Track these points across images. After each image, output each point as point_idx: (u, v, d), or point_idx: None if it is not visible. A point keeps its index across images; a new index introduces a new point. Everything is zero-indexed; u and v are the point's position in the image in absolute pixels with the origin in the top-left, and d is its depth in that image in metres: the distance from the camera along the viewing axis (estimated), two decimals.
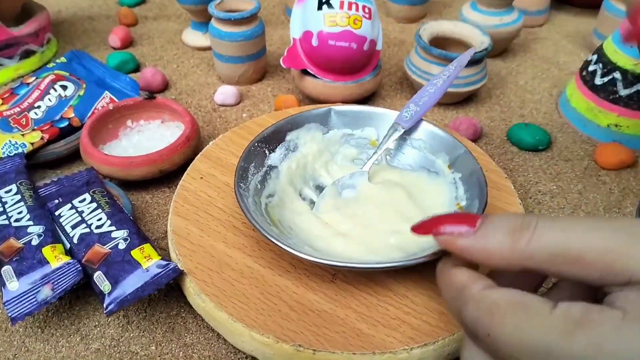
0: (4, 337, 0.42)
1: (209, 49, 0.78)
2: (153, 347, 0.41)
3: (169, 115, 0.59)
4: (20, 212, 0.45)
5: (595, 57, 0.64)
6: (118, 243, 0.43)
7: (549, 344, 0.24)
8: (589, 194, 0.56)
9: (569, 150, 0.62)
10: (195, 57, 0.77)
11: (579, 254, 0.26)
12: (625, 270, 0.25)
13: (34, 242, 0.43)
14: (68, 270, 0.42)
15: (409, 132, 0.50)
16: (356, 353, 0.36)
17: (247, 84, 0.71)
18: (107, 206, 0.47)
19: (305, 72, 0.64)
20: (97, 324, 0.43)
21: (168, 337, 0.42)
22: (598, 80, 0.63)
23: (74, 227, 0.45)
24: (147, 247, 0.43)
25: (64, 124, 0.56)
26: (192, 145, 0.55)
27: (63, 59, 0.64)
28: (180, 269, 0.41)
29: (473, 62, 0.64)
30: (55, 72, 0.61)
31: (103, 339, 0.42)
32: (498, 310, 0.26)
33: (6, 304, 0.39)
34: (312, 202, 0.47)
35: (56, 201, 0.47)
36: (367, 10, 0.60)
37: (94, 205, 0.47)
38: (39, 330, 0.42)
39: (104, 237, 0.44)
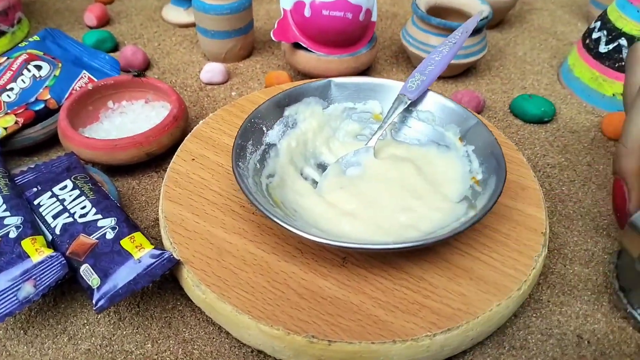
0: None
1: (191, 25, 0.74)
2: (149, 345, 0.38)
3: (154, 95, 0.55)
4: None
5: (598, 23, 0.62)
6: (105, 232, 0.40)
7: None
8: (598, 166, 0.54)
9: (574, 122, 0.59)
10: (178, 34, 0.73)
11: None
12: None
13: (12, 235, 0.39)
14: (51, 264, 0.38)
15: (414, 103, 0.46)
16: (375, 342, 0.33)
17: (234, 61, 0.67)
18: (91, 193, 0.43)
19: (297, 45, 0.60)
20: (85, 322, 0.39)
21: (165, 334, 0.38)
22: (602, 48, 0.60)
23: (55, 216, 0.42)
24: (137, 235, 0.40)
25: (40, 106, 0.52)
26: (181, 125, 0.51)
27: (36, 38, 0.59)
28: (177, 258, 0.38)
29: (473, 32, 0.60)
30: (29, 51, 0.56)
31: (93, 339, 0.38)
32: None
33: None
34: (315, 182, 0.44)
35: (34, 189, 0.43)
36: None
37: (77, 192, 0.43)
38: (22, 331, 0.38)
39: (90, 227, 0.40)
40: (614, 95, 0.60)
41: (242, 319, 0.34)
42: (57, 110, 0.53)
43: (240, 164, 0.40)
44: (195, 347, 0.38)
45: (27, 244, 0.38)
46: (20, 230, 0.39)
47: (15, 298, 0.36)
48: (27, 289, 0.36)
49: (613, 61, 0.59)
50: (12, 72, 0.54)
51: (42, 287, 0.37)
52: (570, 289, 0.42)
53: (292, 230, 0.34)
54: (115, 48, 0.69)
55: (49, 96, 0.53)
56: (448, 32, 0.59)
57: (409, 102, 0.45)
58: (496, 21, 0.76)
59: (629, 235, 0.37)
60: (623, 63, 0.58)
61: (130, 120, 0.53)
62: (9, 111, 0.51)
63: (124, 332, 0.38)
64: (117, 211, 0.41)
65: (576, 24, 0.78)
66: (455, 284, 0.37)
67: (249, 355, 0.37)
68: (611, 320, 0.40)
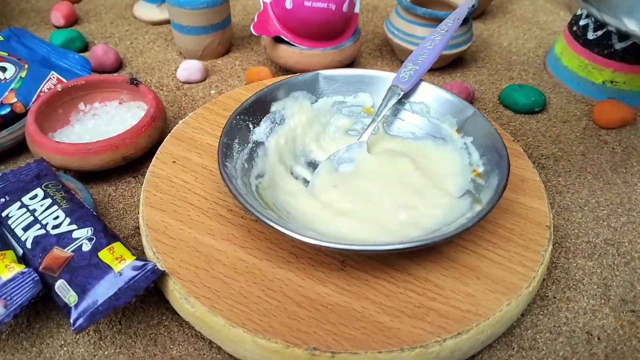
0: None
1: (165, 23, 0.70)
2: None
3: (128, 95, 0.52)
4: None
5: (585, 11, 0.61)
6: (82, 244, 0.37)
7: None
8: (592, 155, 0.52)
9: (565, 111, 0.58)
10: (151, 32, 0.69)
11: None
12: None
13: None
14: (23, 281, 0.35)
15: (407, 95, 0.44)
16: (382, 351, 0.30)
17: (212, 58, 0.64)
18: (64, 201, 0.40)
19: (278, 39, 0.57)
20: (63, 343, 0.36)
21: (151, 352, 0.35)
22: (591, 35, 0.59)
23: (25, 229, 0.38)
24: (117, 246, 0.37)
25: (6, 110, 0.48)
26: (159, 126, 0.48)
27: (0, 38, 0.55)
28: (161, 269, 0.35)
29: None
30: None
31: None
32: None
33: None
34: (306, 182, 0.42)
35: (2, 200, 0.40)
36: None
37: (48, 201, 0.40)
38: None
39: (64, 239, 0.37)
40: (603, 82, 0.59)
41: (236, 333, 0.31)
42: (24, 115, 0.49)
43: (227, 164, 0.37)
44: None
45: None
46: None
47: None
48: None
49: (602, 48, 0.58)
50: None
51: (13, 307, 0.34)
52: (575, 283, 0.41)
53: (287, 234, 0.32)
54: (85, 48, 0.65)
55: (15, 99, 0.49)
56: (435, 22, 0.57)
57: (402, 93, 0.43)
58: (479, 12, 0.74)
59: None
60: (612, 50, 0.57)
61: (104, 122, 0.50)
62: None
63: (106, 353, 0.35)
64: (94, 220, 0.38)
65: (559, 13, 0.77)
66: (462, 284, 0.34)
67: None
68: (619, 314, 0.39)
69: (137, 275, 0.35)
